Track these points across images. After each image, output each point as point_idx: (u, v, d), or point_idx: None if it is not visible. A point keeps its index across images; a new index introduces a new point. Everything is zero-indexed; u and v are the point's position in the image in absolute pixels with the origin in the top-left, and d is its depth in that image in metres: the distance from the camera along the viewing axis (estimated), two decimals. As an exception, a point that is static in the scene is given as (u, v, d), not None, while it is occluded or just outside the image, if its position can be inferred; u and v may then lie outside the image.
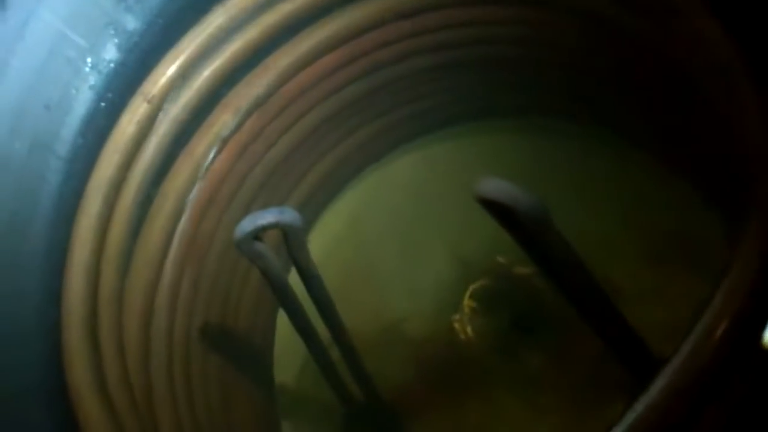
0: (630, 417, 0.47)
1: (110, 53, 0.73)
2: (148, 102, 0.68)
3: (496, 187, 0.53)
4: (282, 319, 0.86)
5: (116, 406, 0.62)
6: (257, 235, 0.58)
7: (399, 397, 0.86)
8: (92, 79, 0.73)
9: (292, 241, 0.59)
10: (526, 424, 0.83)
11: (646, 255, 0.84)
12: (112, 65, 0.73)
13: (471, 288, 0.89)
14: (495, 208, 0.54)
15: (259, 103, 0.74)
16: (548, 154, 0.87)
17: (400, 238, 0.92)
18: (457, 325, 0.88)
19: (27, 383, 0.65)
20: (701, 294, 0.78)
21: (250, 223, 0.57)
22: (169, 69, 0.69)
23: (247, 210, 0.72)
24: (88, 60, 0.72)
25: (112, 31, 0.73)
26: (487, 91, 0.86)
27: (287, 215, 0.58)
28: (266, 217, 0.57)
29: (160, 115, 0.69)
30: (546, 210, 0.53)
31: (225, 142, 0.74)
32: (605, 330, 0.68)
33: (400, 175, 0.94)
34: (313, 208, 0.89)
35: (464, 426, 0.85)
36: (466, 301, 0.89)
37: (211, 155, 0.73)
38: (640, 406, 0.47)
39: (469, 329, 0.88)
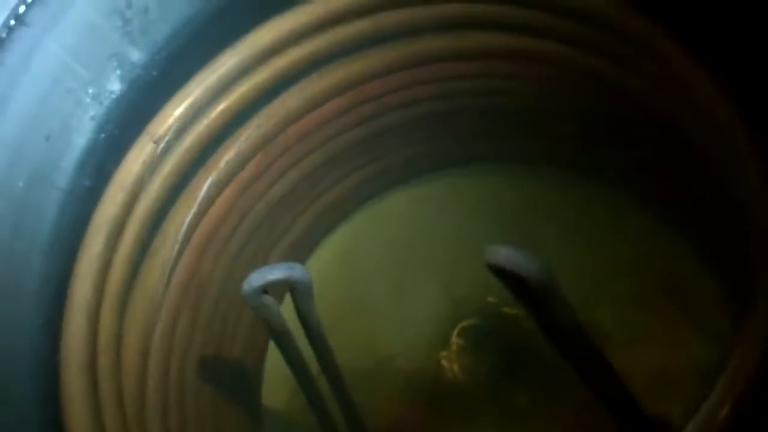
0: None
1: (113, 85, 0.73)
2: (155, 142, 0.68)
3: (505, 254, 0.54)
4: (273, 350, 0.87)
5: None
6: (264, 289, 0.59)
7: (386, 432, 0.87)
8: (93, 111, 0.73)
9: (299, 296, 0.60)
10: (512, 462, 0.84)
11: (636, 300, 0.86)
12: (113, 96, 0.73)
13: (460, 326, 0.90)
14: (504, 274, 0.55)
15: (264, 143, 0.75)
16: (541, 200, 0.88)
17: (391, 275, 0.93)
18: (445, 362, 0.89)
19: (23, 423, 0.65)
20: (689, 339, 0.81)
21: (259, 277, 0.57)
22: (176, 110, 0.69)
23: (244, 249, 0.72)
24: (90, 91, 0.72)
25: (116, 63, 0.73)
26: (483, 138, 0.87)
27: (296, 271, 0.58)
28: (276, 272, 0.58)
29: (166, 155, 0.69)
30: (554, 277, 0.54)
31: (228, 180, 0.74)
32: (598, 387, 0.69)
33: (393, 214, 0.95)
34: (307, 244, 0.89)
35: (450, 462, 0.87)
36: (455, 339, 0.90)
37: (213, 194, 0.73)
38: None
39: (456, 367, 0.89)
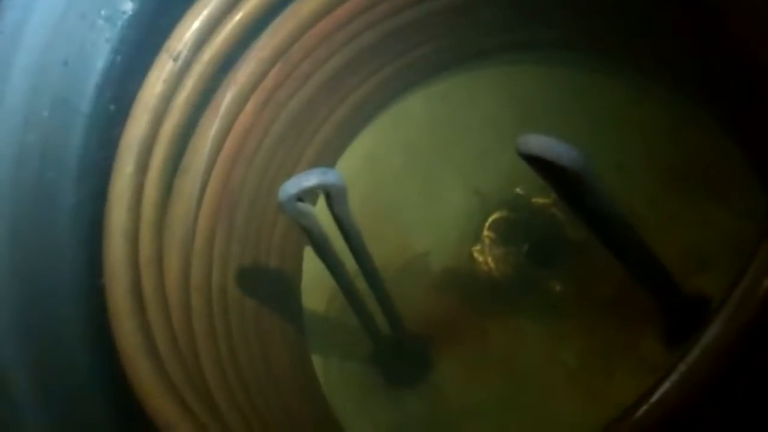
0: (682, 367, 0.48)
1: (125, 4, 0.72)
2: (174, 59, 0.68)
3: (538, 142, 0.53)
4: (309, 255, 0.89)
5: (165, 363, 0.64)
6: (300, 196, 0.59)
7: (424, 328, 0.88)
8: (107, 33, 0.72)
9: (334, 200, 0.60)
10: (549, 350, 0.86)
11: (666, 182, 0.85)
12: (126, 16, 0.72)
13: (490, 219, 0.90)
14: (537, 163, 0.55)
15: (282, 52, 0.74)
16: (565, 86, 0.87)
17: (418, 174, 0.93)
18: (477, 256, 0.90)
19: (76, 353, 0.67)
20: (721, 217, 0.81)
21: (294, 185, 0.58)
22: (193, 24, 0.69)
23: (272, 158, 0.73)
24: (102, 12, 0.71)
25: (126, -18, 0.72)
26: (501, 27, 0.86)
27: (330, 176, 0.58)
28: (310, 178, 0.58)
29: (186, 71, 0.69)
30: (589, 164, 0.54)
31: (250, 92, 0.74)
32: (635, 267, 0.69)
33: (415, 113, 0.95)
34: (332, 151, 0.89)
35: (488, 353, 0.88)
36: (486, 232, 0.90)
37: (237, 106, 0.73)
38: (690, 358, 0.48)
39: (489, 259, 0.90)
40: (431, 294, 0.90)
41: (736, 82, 0.74)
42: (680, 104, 0.85)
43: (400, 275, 0.89)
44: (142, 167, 0.67)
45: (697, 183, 0.84)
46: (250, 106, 0.74)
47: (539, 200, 0.90)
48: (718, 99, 0.81)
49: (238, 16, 0.70)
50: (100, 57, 0.71)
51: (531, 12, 0.83)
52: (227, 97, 0.72)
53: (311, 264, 0.88)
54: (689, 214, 0.83)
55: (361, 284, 0.78)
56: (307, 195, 0.59)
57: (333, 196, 0.60)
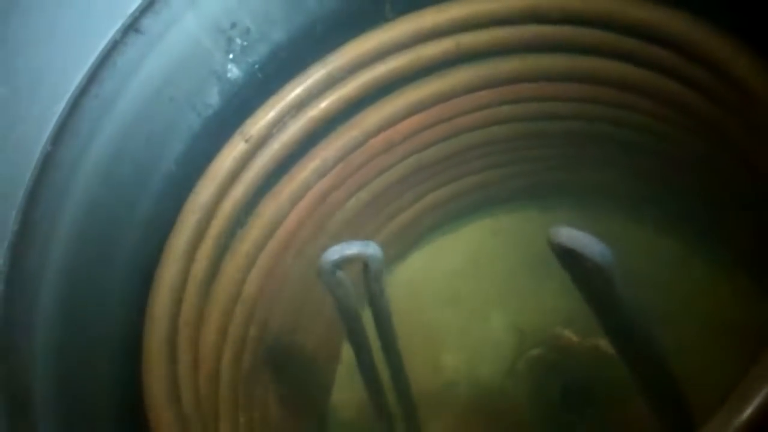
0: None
1: (211, 98, 0.79)
2: (246, 141, 0.74)
3: (569, 233, 0.56)
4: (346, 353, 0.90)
5: (188, 421, 0.66)
6: (340, 265, 0.62)
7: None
8: (191, 120, 0.79)
9: (371, 273, 0.63)
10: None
11: (705, 341, 0.86)
12: (211, 110, 0.79)
13: (526, 356, 0.92)
14: (566, 255, 0.58)
15: (343, 156, 0.80)
16: (616, 237, 0.90)
17: (459, 304, 0.95)
18: (509, 391, 0.91)
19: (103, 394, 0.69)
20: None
21: (336, 252, 0.61)
22: (268, 113, 0.75)
23: (319, 255, 0.77)
24: (190, 101, 0.78)
25: (215, 79, 0.79)
26: (565, 167, 0.90)
27: (370, 247, 0.62)
28: (351, 247, 0.61)
29: (255, 155, 0.75)
30: (613, 259, 0.57)
31: (309, 187, 0.79)
32: (656, 398, 0.70)
33: (464, 242, 0.98)
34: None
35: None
36: (520, 368, 0.91)
37: (295, 197, 0.78)
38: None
39: (520, 396, 0.91)
40: (457, 422, 0.90)
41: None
42: (731, 269, 0.87)
43: (429, 398, 0.89)
44: (201, 231, 0.71)
45: (733, 342, 0.84)
46: (306, 200, 0.79)
47: (577, 344, 0.91)
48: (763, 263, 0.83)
49: (311, 113, 0.76)
50: (180, 141, 0.78)
51: (601, 157, 0.88)
52: (287, 188, 0.78)
53: (348, 366, 0.90)
54: (723, 370, 0.83)
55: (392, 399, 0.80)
56: (347, 265, 0.63)
57: (371, 270, 0.63)
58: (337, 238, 0.84)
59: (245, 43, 0.79)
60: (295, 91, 0.76)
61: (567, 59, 0.77)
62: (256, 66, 0.79)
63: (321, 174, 0.79)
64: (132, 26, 0.72)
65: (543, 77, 0.80)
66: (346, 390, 0.90)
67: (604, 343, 0.85)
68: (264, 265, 0.76)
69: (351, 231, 0.85)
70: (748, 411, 0.48)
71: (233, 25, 0.78)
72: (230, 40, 0.79)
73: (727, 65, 0.69)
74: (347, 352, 0.81)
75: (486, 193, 0.95)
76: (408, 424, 0.82)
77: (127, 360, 0.68)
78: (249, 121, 0.75)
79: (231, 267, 0.74)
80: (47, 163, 0.67)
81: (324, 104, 0.77)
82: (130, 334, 0.68)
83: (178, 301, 0.69)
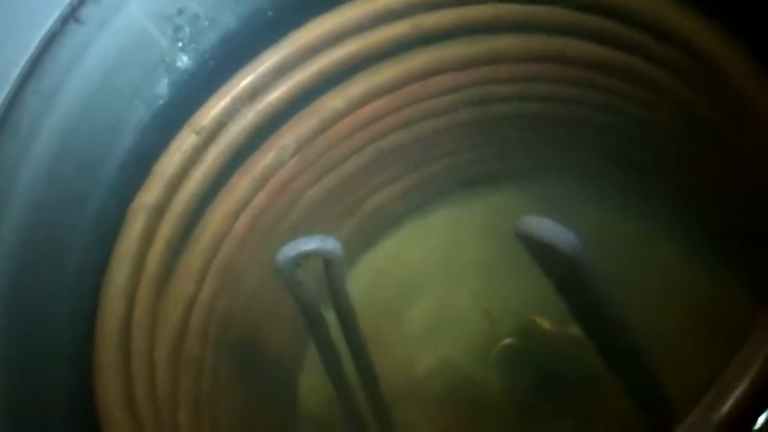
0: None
1: (161, 89, 0.76)
2: (197, 133, 0.70)
3: (535, 223, 0.54)
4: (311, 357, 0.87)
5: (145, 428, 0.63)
6: (297, 262, 0.59)
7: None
8: (140, 112, 0.75)
9: (331, 269, 0.60)
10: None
11: (679, 328, 0.84)
12: (161, 101, 0.75)
13: (499, 345, 0.89)
14: (533, 245, 0.55)
15: (302, 145, 0.76)
16: (585, 222, 0.88)
17: (430, 292, 0.93)
18: (482, 381, 0.88)
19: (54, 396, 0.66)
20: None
21: (292, 248, 0.58)
22: (220, 103, 0.71)
23: (284, 244, 0.74)
24: (137, 92, 0.75)
25: (164, 69, 0.76)
26: (530, 150, 0.87)
27: (329, 243, 0.59)
28: (309, 243, 0.58)
29: (207, 148, 0.71)
30: (583, 248, 0.54)
31: (266, 179, 0.76)
32: (623, 372, 0.68)
33: (432, 230, 0.95)
34: (346, 256, 0.90)
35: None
36: (494, 358, 0.89)
37: (251, 192, 0.75)
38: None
39: (494, 387, 0.88)
40: (430, 414, 0.88)
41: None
42: (705, 254, 0.85)
43: (400, 392, 0.87)
44: (150, 233, 0.68)
45: (710, 330, 0.82)
46: (264, 193, 0.75)
47: (552, 331, 0.88)
48: (737, 248, 0.81)
49: (265, 101, 0.73)
50: (128, 135, 0.74)
51: (567, 137, 0.85)
52: (243, 180, 0.74)
53: (315, 365, 0.87)
54: (693, 361, 0.81)
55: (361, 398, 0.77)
56: (306, 261, 0.60)
57: (330, 267, 0.60)
58: (299, 231, 0.81)
59: (194, 30, 0.75)
60: (247, 78, 0.72)
61: (530, 39, 0.74)
62: (207, 54, 0.75)
63: (279, 164, 0.76)
64: (71, 15, 0.69)
65: (507, 59, 0.77)
66: (314, 385, 0.87)
67: (578, 331, 0.82)
68: (222, 262, 0.73)
69: (313, 222, 0.82)
70: (729, 404, 0.45)
71: (180, 12, 0.74)
72: (178, 28, 0.75)
73: (696, 41, 0.66)
74: (314, 349, 0.78)
75: (452, 179, 0.92)
76: (378, 419, 0.79)
77: (80, 370, 0.64)
78: (199, 113, 0.71)
79: (186, 265, 0.71)
80: (-14, 165, 0.64)
81: (279, 92, 0.73)
82: (81, 343, 0.65)
83: (129, 305, 0.66)
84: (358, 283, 0.93)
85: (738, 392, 0.44)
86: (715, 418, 0.45)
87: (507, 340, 0.89)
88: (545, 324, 0.89)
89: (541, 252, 0.55)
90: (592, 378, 0.84)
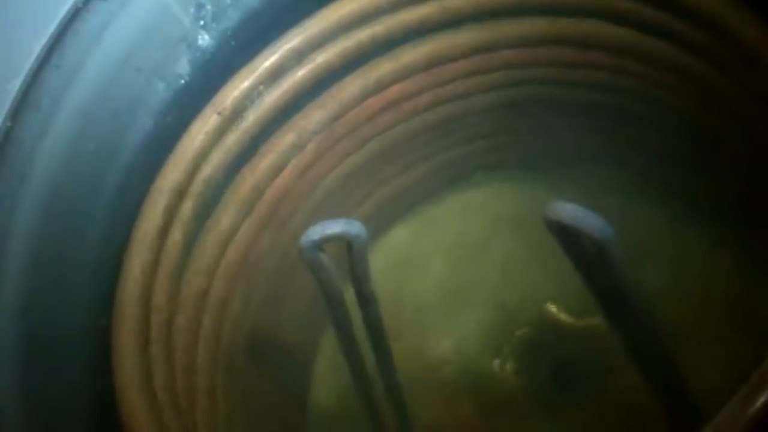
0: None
1: (182, 68, 0.75)
2: (218, 114, 0.70)
3: (566, 209, 0.53)
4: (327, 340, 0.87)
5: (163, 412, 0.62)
6: (321, 245, 0.58)
7: (433, 437, 0.85)
8: (162, 92, 0.74)
9: (355, 253, 0.59)
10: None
11: (697, 317, 0.83)
12: (182, 81, 0.75)
13: (515, 334, 0.89)
14: (563, 232, 0.55)
15: (323, 127, 0.76)
16: (605, 209, 0.87)
17: (445, 280, 0.92)
18: (497, 371, 0.88)
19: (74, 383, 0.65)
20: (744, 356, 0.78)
21: (317, 231, 0.57)
22: (242, 84, 0.71)
23: (304, 229, 0.73)
24: (158, 72, 0.74)
25: (185, 47, 0.75)
26: (549, 138, 0.86)
27: (354, 227, 0.58)
28: (334, 227, 0.58)
29: (229, 128, 0.71)
30: (612, 235, 0.53)
31: (287, 162, 0.75)
32: (654, 377, 0.67)
33: (450, 216, 0.95)
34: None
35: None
36: (509, 348, 0.88)
37: (272, 174, 0.74)
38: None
39: (509, 376, 0.88)
40: (445, 403, 0.87)
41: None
42: (725, 241, 0.84)
43: (416, 380, 0.86)
44: (171, 213, 0.67)
45: (725, 316, 0.82)
46: (285, 175, 0.75)
47: (568, 321, 0.88)
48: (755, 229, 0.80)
49: (287, 82, 0.72)
50: (149, 114, 0.74)
51: (587, 124, 0.84)
52: (264, 162, 0.73)
53: (329, 352, 0.87)
54: (714, 348, 0.80)
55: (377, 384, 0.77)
56: (329, 245, 0.59)
57: (354, 250, 0.59)
58: (318, 214, 0.81)
59: (216, 9, 0.74)
60: (270, 59, 0.71)
61: (555, 22, 0.73)
62: (229, 33, 0.75)
63: (299, 147, 0.75)
64: (95, -8, 0.68)
65: (531, 42, 0.76)
66: (329, 374, 0.87)
67: (594, 320, 0.82)
68: (240, 246, 0.72)
69: (332, 206, 0.81)
70: (764, 398, 0.45)
71: (203, -8, 0.74)
72: (200, 6, 0.74)
73: (725, 24, 0.65)
74: (330, 335, 0.77)
75: (471, 165, 0.91)
76: (395, 408, 0.78)
77: (98, 355, 0.64)
78: (221, 93, 0.70)
79: (205, 249, 0.70)
80: (6, 140, 0.63)
81: (301, 73, 0.72)
82: (100, 324, 0.64)
83: (148, 287, 0.65)
84: (375, 268, 0.92)
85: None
86: (750, 411, 0.44)
87: (522, 330, 0.89)
88: (561, 314, 0.88)
89: (569, 238, 0.54)
90: (608, 369, 0.84)
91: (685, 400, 0.67)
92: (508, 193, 0.94)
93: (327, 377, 0.87)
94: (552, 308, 0.88)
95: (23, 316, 0.63)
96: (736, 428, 0.43)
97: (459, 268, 0.92)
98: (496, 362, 0.88)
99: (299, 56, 0.72)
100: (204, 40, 0.75)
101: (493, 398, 0.87)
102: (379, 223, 0.92)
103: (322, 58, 0.72)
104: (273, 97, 0.72)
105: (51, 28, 0.66)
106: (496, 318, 0.90)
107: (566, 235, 0.55)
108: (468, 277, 0.92)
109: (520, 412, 0.86)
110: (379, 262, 0.93)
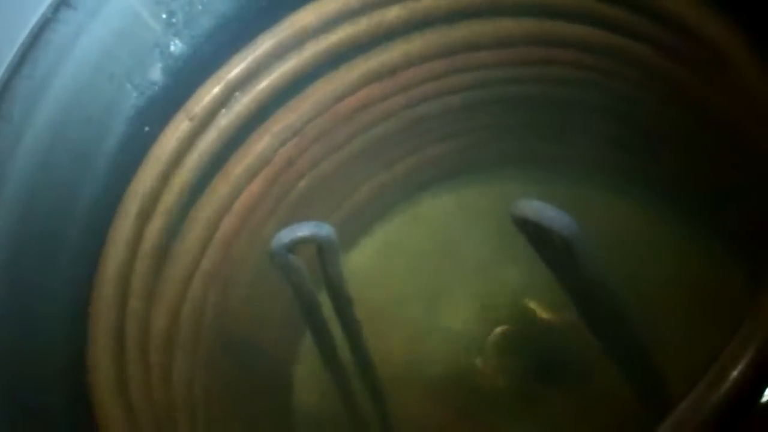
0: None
1: (154, 75, 0.75)
2: (190, 120, 0.70)
3: (531, 206, 0.54)
4: (305, 346, 0.87)
5: (138, 415, 0.62)
6: (292, 248, 0.59)
7: (415, 436, 0.86)
8: (134, 99, 0.75)
9: (326, 256, 0.60)
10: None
11: (671, 306, 0.84)
12: (155, 87, 0.75)
13: (496, 331, 0.89)
14: (529, 228, 0.55)
15: (296, 131, 0.76)
16: (582, 207, 0.87)
17: (425, 278, 0.92)
18: (480, 368, 0.88)
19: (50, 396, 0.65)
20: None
21: (287, 234, 0.58)
22: (213, 89, 0.71)
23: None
24: (131, 78, 0.74)
25: (158, 54, 0.75)
26: (525, 135, 0.87)
27: (324, 229, 0.59)
28: (303, 229, 0.58)
29: (202, 134, 0.71)
30: (579, 231, 0.54)
31: (261, 166, 0.75)
32: (629, 370, 0.68)
33: (429, 215, 0.95)
34: (342, 242, 0.90)
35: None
36: (490, 345, 0.89)
37: (247, 178, 0.75)
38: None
39: (492, 373, 0.88)
40: (427, 401, 0.87)
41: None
42: (696, 231, 0.84)
43: (398, 378, 0.87)
44: (144, 219, 0.68)
45: (700, 309, 0.82)
46: (259, 180, 0.75)
47: (548, 317, 0.88)
48: (736, 231, 0.81)
49: (259, 87, 0.72)
50: (122, 122, 0.74)
51: (562, 121, 0.84)
52: (238, 167, 0.74)
53: (309, 354, 0.87)
54: (689, 339, 0.81)
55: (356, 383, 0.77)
56: (301, 248, 0.59)
57: (325, 253, 0.60)
58: (294, 219, 0.81)
59: (188, 15, 0.74)
60: (241, 64, 0.72)
61: (529, 23, 0.74)
62: (201, 39, 0.75)
63: (273, 150, 0.75)
64: (64, 1, 0.68)
65: (505, 43, 0.76)
66: (310, 375, 0.87)
67: (574, 315, 0.82)
68: (215, 253, 0.73)
69: (308, 210, 0.81)
70: (727, 384, 0.45)
71: (173, -5, 0.74)
72: (171, 13, 0.74)
73: (703, 30, 0.66)
74: (309, 337, 0.78)
75: (447, 165, 0.91)
76: (376, 408, 0.79)
77: (74, 362, 0.64)
78: (193, 98, 0.71)
79: (180, 253, 0.70)
80: (-22, 151, 0.63)
81: (273, 77, 0.73)
82: (76, 329, 0.65)
83: (124, 290, 0.65)
84: (353, 269, 0.93)
85: (736, 372, 0.44)
86: (714, 397, 0.44)
87: (503, 326, 0.89)
88: (541, 310, 0.89)
89: (537, 235, 0.55)
90: (589, 363, 0.84)
91: (660, 389, 0.67)
92: (486, 191, 0.95)
93: (310, 376, 0.87)
94: (532, 304, 0.89)
95: None
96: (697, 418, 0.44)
97: (436, 268, 0.92)
98: (478, 358, 0.89)
99: (271, 60, 0.73)
100: (176, 46, 0.75)
101: (474, 394, 0.87)
102: (358, 225, 0.92)
103: (293, 62, 0.73)
104: (246, 101, 0.72)
105: (20, 38, 0.66)
106: (477, 316, 0.90)
107: (534, 232, 0.55)
108: (446, 277, 0.92)
109: (501, 408, 0.87)
110: (357, 263, 0.93)
